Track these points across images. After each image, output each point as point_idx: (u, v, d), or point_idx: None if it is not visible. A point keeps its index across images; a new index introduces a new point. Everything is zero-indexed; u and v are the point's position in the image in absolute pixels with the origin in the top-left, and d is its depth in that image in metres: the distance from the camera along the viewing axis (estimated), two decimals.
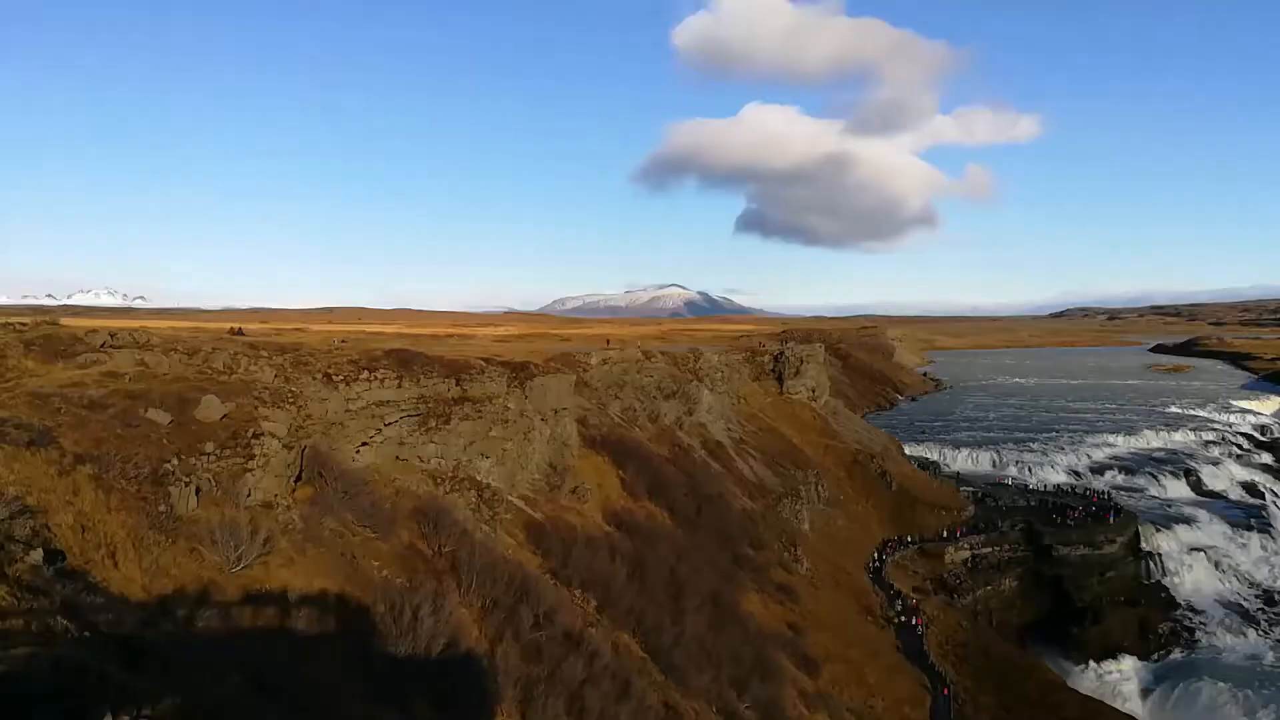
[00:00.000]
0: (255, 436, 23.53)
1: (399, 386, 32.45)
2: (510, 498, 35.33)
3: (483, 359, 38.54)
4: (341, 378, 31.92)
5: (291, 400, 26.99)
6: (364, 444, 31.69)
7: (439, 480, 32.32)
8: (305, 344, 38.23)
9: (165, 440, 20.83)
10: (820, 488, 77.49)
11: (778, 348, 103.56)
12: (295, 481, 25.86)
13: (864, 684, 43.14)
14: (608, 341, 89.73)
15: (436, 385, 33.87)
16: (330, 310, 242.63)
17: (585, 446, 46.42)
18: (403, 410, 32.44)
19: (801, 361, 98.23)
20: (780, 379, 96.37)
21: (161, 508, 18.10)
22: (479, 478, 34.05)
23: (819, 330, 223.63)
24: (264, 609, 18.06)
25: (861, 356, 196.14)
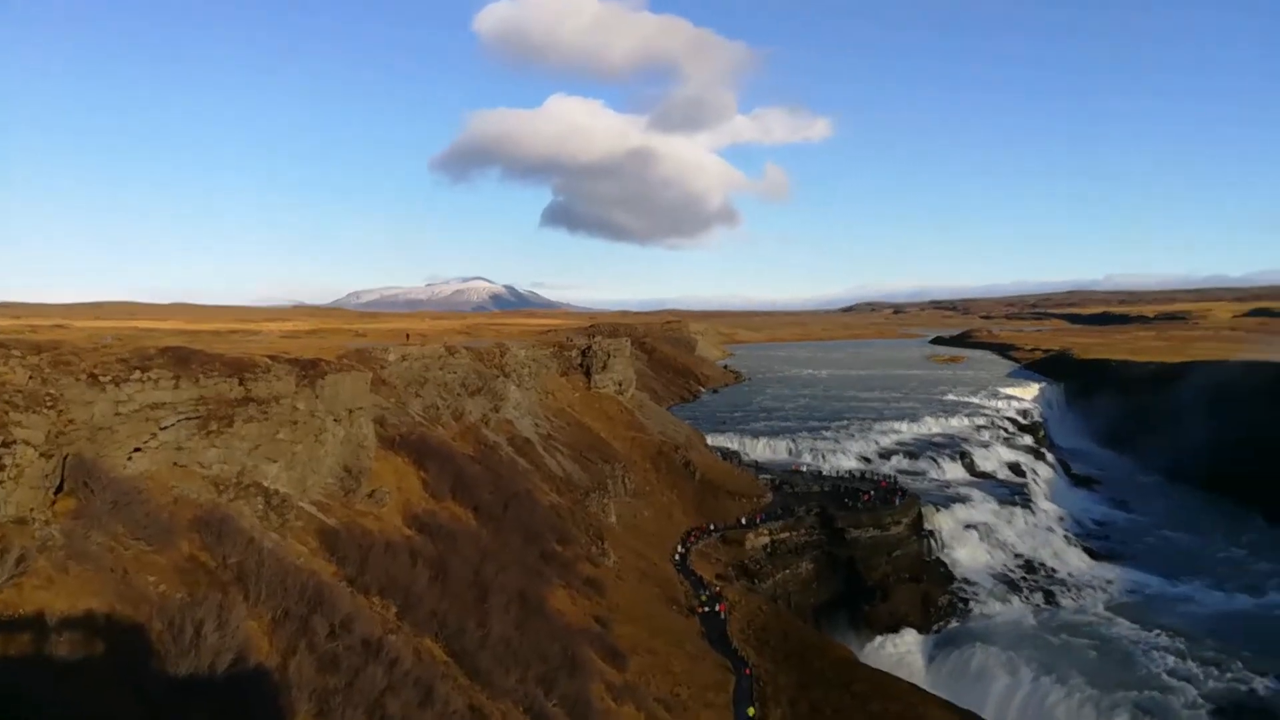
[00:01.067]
0: (5, 445, 21.15)
1: (176, 387, 29.97)
2: (301, 504, 33.51)
3: (269, 356, 36.27)
4: (110, 378, 29.17)
5: (50, 404, 24.40)
6: (137, 450, 29.13)
7: (222, 487, 30.16)
8: (67, 341, 34.71)
9: None
10: (627, 480, 78.56)
11: (585, 342, 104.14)
12: (56, 493, 23.44)
13: (670, 673, 44.00)
14: (408, 336, 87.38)
15: (218, 385, 31.54)
16: (98, 305, 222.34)
17: (384, 447, 44.78)
18: (180, 413, 30.00)
19: (609, 356, 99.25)
20: (588, 373, 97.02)
21: None
22: (266, 483, 32.03)
23: (625, 325, 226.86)
24: (17, 636, 16.32)
25: (666, 350, 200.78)
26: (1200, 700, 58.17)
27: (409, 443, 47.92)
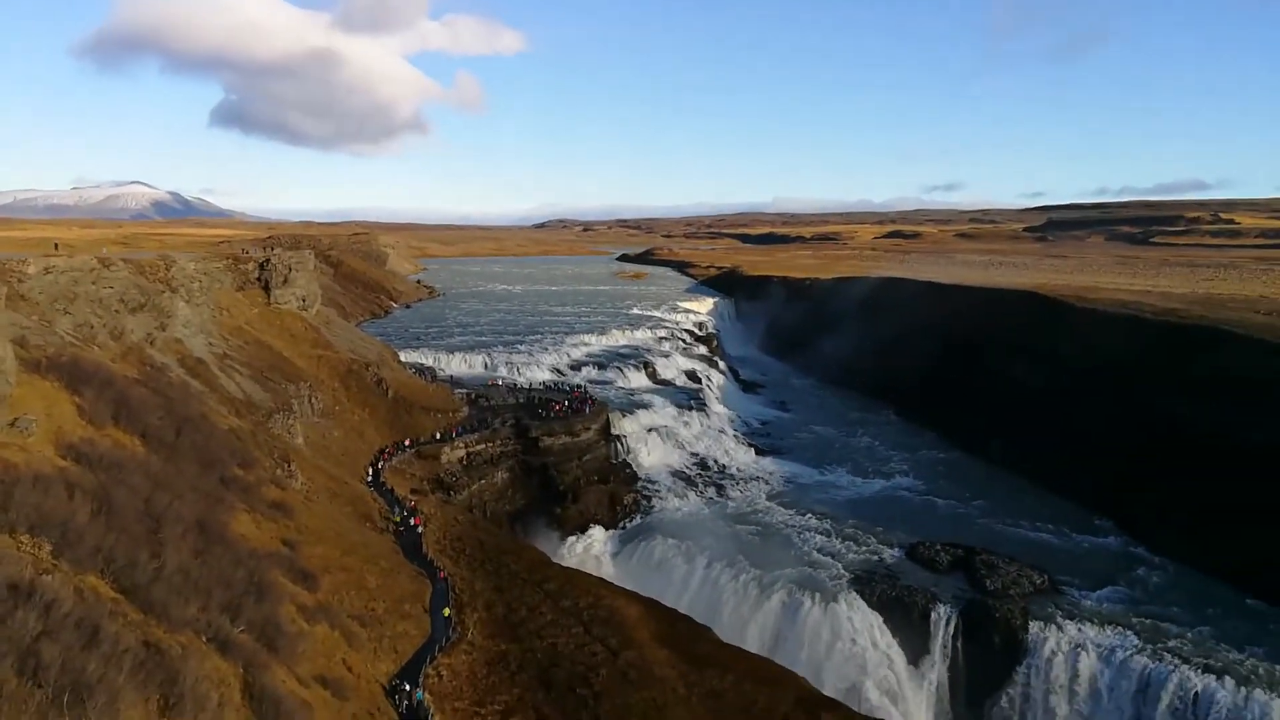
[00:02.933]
0: None
1: None
2: None
3: None
4: None
5: None
6: None
7: None
8: None
9: None
10: (314, 400, 75.45)
11: (264, 255, 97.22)
12: None
13: (365, 589, 43.67)
14: (56, 246, 77.40)
15: None
16: None
17: (28, 371, 39.61)
18: None
19: (290, 269, 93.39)
20: (268, 288, 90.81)
21: None
22: None
23: (308, 236, 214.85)
24: None
25: (354, 264, 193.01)
26: (842, 571, 67.27)
27: (59, 365, 42.73)
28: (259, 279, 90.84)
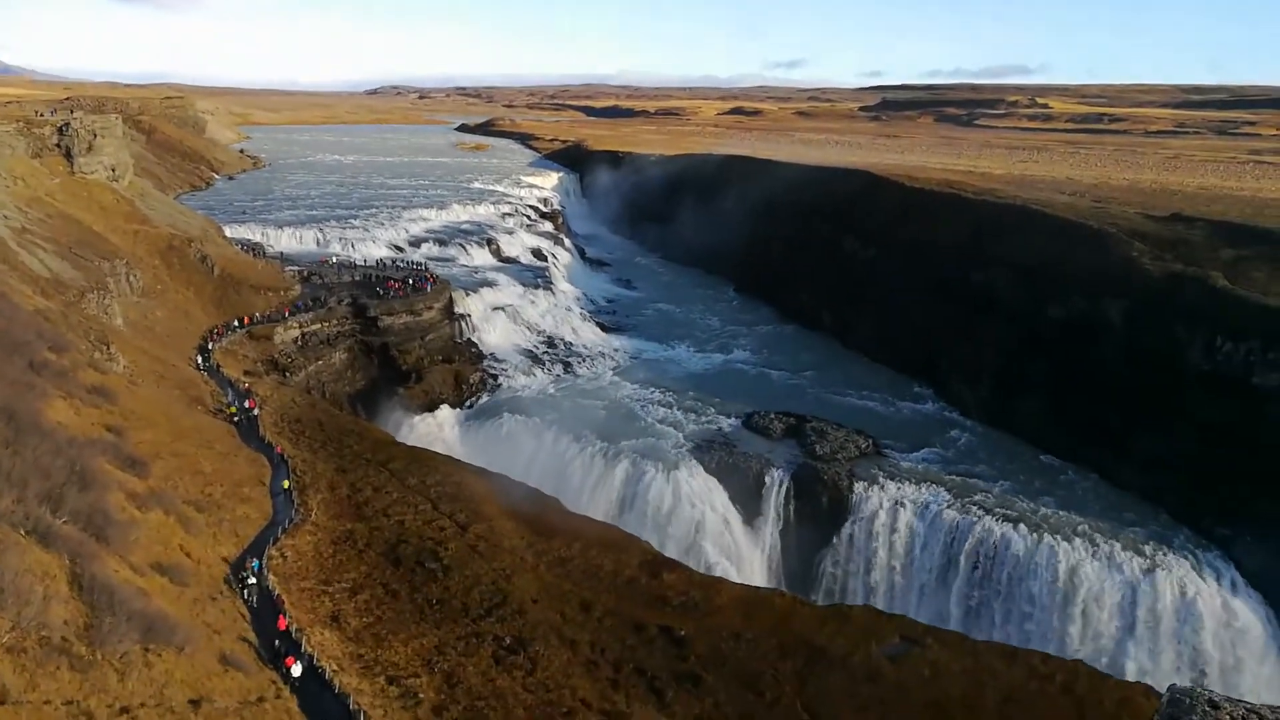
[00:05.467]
0: None
1: None
2: None
3: None
4: None
5: None
6: None
7: None
8: None
9: None
10: (132, 278, 70.51)
11: (62, 118, 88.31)
12: None
13: (200, 473, 42.24)
14: None
15: None
16: None
17: None
18: None
19: (95, 135, 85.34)
20: (70, 156, 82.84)
21: None
22: None
23: (114, 99, 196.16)
24: None
25: (169, 131, 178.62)
26: (683, 440, 70.02)
27: None
28: (59, 145, 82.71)
